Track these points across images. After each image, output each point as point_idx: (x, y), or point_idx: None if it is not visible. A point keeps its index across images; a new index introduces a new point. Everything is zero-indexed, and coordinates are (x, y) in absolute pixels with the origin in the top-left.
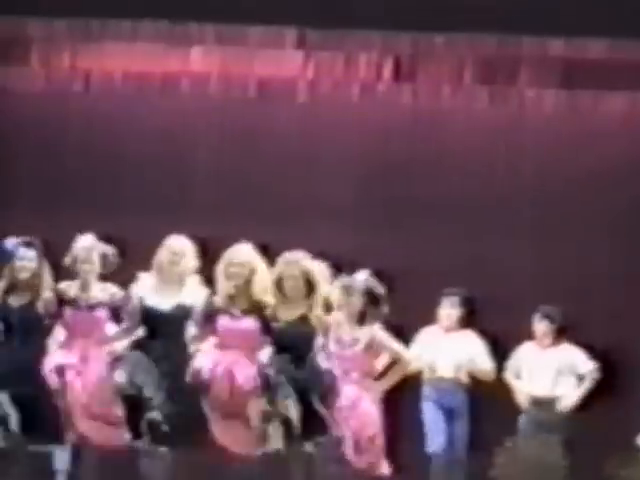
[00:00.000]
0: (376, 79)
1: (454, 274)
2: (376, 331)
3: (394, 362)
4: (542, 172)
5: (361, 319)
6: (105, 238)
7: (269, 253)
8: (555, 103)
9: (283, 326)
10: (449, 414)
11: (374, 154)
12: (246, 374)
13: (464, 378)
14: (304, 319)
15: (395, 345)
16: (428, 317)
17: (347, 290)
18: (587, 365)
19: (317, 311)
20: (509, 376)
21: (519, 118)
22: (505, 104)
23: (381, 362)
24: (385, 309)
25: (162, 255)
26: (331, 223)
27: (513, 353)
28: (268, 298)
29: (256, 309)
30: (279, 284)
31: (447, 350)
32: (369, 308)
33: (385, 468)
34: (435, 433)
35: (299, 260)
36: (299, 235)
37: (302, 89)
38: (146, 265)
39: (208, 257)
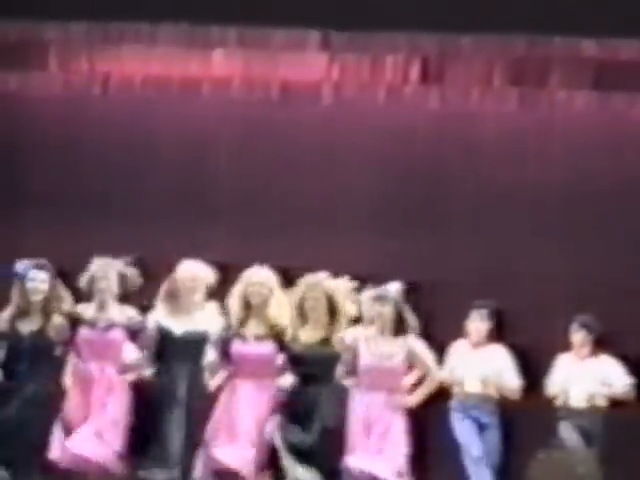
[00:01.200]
0: (403, 82)
1: (483, 284)
2: (413, 342)
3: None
4: (573, 176)
5: (394, 331)
6: (121, 251)
7: (293, 263)
8: (587, 105)
9: (304, 349)
10: (478, 428)
11: (401, 159)
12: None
13: (493, 393)
14: (326, 341)
15: (429, 359)
16: (455, 328)
17: (380, 301)
18: (623, 380)
19: (340, 332)
20: (554, 389)
21: (550, 121)
22: (535, 106)
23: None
24: (414, 319)
25: (178, 281)
26: (357, 229)
27: (552, 368)
28: (284, 321)
29: (272, 333)
30: (300, 306)
31: (475, 365)
32: (400, 319)
33: None
34: (471, 440)
35: (321, 282)
36: (323, 243)
37: (326, 92)
38: (159, 284)
39: (228, 278)
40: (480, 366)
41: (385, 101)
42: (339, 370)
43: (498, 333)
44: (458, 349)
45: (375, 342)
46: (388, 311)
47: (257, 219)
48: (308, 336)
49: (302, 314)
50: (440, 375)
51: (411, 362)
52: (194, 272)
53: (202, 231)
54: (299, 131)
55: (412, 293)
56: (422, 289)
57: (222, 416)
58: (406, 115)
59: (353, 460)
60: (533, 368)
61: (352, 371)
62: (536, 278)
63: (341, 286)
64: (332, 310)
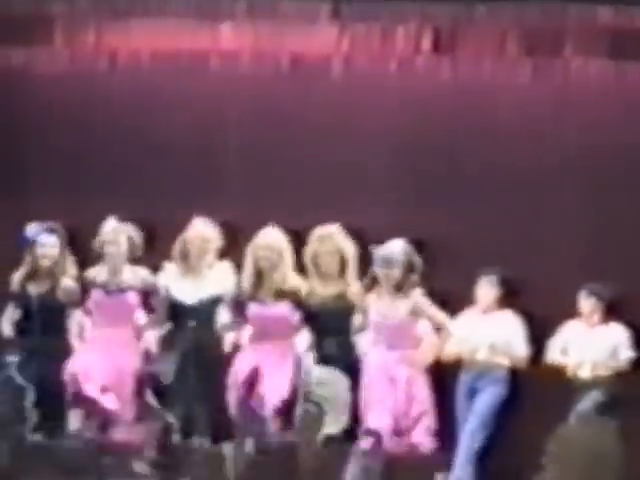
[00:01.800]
0: (414, 52)
1: (494, 252)
2: (418, 297)
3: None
4: (588, 146)
5: (399, 288)
6: (131, 222)
7: (304, 233)
8: (602, 75)
9: (320, 303)
10: (485, 397)
11: (413, 130)
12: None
13: (502, 361)
14: (341, 296)
15: (437, 312)
16: (466, 296)
17: (386, 261)
18: (626, 353)
19: (354, 287)
20: (554, 354)
21: (564, 91)
22: (550, 76)
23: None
24: (417, 276)
25: (188, 242)
26: (368, 202)
27: (558, 332)
28: (296, 282)
29: (285, 294)
30: (314, 261)
31: (484, 332)
32: (406, 277)
33: (429, 446)
34: (462, 422)
35: (332, 235)
36: (335, 214)
37: (337, 64)
38: (169, 255)
39: (239, 240)
40: (490, 333)
41: (396, 72)
42: (354, 324)
43: (508, 301)
44: (467, 317)
45: (382, 301)
46: (395, 273)
47: (267, 194)
48: (323, 291)
49: (316, 268)
50: (453, 328)
51: (419, 317)
52: (204, 232)
53: (210, 210)
54: (309, 104)
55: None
56: (433, 258)
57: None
58: (418, 86)
59: (373, 418)
60: (543, 336)
61: (365, 327)
62: (547, 246)
63: (350, 243)
64: (345, 265)
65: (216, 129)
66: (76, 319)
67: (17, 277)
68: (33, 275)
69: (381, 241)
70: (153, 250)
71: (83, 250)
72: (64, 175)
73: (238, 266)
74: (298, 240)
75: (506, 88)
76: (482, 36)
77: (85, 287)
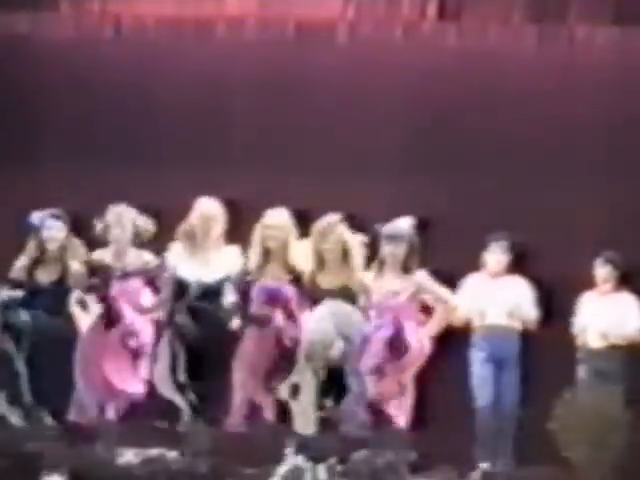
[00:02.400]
0: (420, 18)
1: (505, 221)
2: (422, 277)
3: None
4: (595, 113)
5: (404, 267)
6: (137, 194)
7: (309, 204)
8: (608, 41)
9: (324, 295)
10: (500, 364)
11: (418, 97)
12: None
13: (516, 324)
14: (345, 287)
15: (441, 290)
16: (476, 267)
17: (392, 239)
18: (633, 324)
19: (357, 277)
20: (578, 331)
21: (570, 57)
22: (555, 43)
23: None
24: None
25: (193, 221)
26: (373, 169)
27: (577, 307)
28: (304, 264)
29: (292, 276)
30: (318, 252)
31: (497, 296)
32: (411, 255)
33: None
34: (483, 386)
35: (333, 227)
36: (339, 183)
37: (342, 30)
38: (175, 234)
39: (243, 215)
40: (503, 297)
41: (402, 39)
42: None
43: (520, 268)
44: (476, 281)
45: (385, 280)
46: (401, 250)
47: (273, 160)
48: (327, 282)
49: (320, 260)
50: (457, 304)
51: (422, 296)
52: (210, 211)
53: (218, 174)
54: (314, 70)
55: (432, 229)
56: (442, 228)
57: (245, 358)
58: (423, 53)
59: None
60: (556, 303)
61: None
62: (559, 213)
63: (354, 237)
64: (347, 255)
65: (221, 96)
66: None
67: (21, 264)
68: (40, 262)
69: (383, 215)
70: (158, 228)
71: (88, 228)
72: (67, 144)
73: (242, 244)
74: (305, 217)
75: (511, 55)
76: (487, 3)
77: (91, 270)
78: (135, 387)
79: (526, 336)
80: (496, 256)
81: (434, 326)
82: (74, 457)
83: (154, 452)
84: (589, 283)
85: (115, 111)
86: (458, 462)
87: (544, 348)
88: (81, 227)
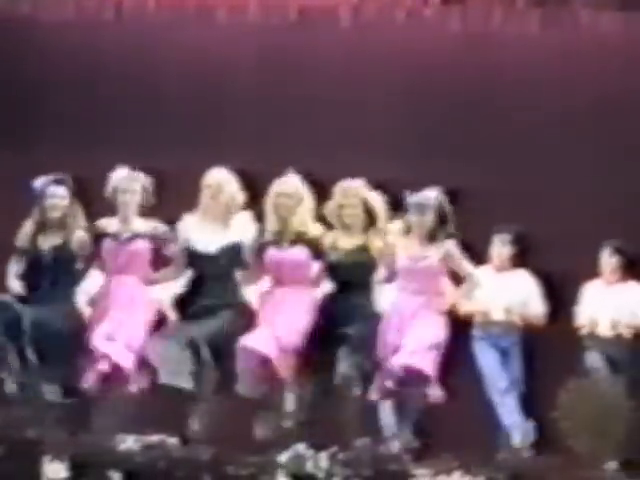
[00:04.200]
0: (423, 3)
1: (507, 210)
2: (450, 246)
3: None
4: (599, 100)
5: (431, 238)
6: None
7: (314, 183)
8: (611, 26)
9: (342, 255)
10: (502, 357)
11: (420, 82)
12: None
13: (517, 320)
14: (364, 248)
15: (466, 263)
16: (479, 255)
17: (419, 208)
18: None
19: (377, 241)
20: (582, 322)
21: (574, 43)
22: (559, 28)
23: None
24: (452, 226)
25: (203, 191)
26: (375, 154)
27: (581, 296)
28: (312, 229)
29: (305, 242)
30: (337, 213)
31: (498, 291)
32: (438, 226)
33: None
34: (495, 375)
35: (357, 188)
36: (343, 164)
37: (345, 14)
38: (186, 204)
39: (254, 191)
40: (504, 292)
41: (405, 23)
42: (377, 276)
43: (525, 258)
44: (480, 275)
45: (412, 247)
46: (428, 219)
47: (275, 146)
48: (345, 243)
49: (339, 221)
50: (477, 278)
51: (448, 265)
52: (218, 179)
53: (221, 157)
54: (317, 55)
55: None
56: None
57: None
58: (426, 37)
59: (396, 358)
60: (561, 294)
61: (390, 277)
62: (565, 202)
63: (377, 197)
64: (369, 217)
65: (222, 81)
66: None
67: (25, 231)
68: (43, 228)
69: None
70: (163, 202)
71: (91, 202)
72: (70, 125)
73: (256, 215)
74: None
75: (515, 40)
76: None
77: (96, 238)
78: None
79: (530, 328)
80: (498, 249)
81: (454, 296)
82: (75, 443)
83: (154, 438)
84: (593, 273)
85: (115, 95)
86: (462, 450)
87: (548, 339)
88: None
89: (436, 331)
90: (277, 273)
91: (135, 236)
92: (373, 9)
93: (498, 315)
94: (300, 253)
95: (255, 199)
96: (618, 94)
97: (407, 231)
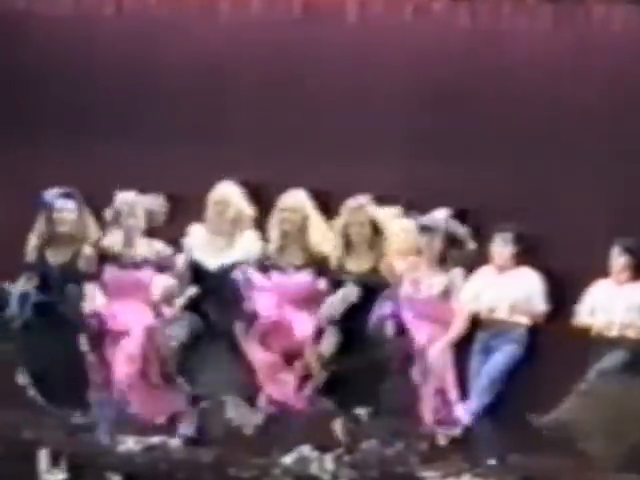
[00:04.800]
0: None
1: (514, 208)
2: (456, 276)
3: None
4: (611, 97)
5: (441, 262)
6: (138, 176)
7: (321, 189)
8: (625, 21)
9: (354, 280)
10: (500, 356)
11: (429, 79)
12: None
13: (521, 319)
14: (374, 271)
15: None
16: (484, 255)
17: (427, 230)
18: None
19: (387, 260)
20: (583, 317)
21: (586, 38)
22: (571, 23)
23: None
24: (468, 251)
25: (209, 207)
26: (382, 152)
27: (586, 294)
28: (326, 248)
29: (313, 260)
30: (345, 233)
31: (501, 290)
32: (449, 250)
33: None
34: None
35: (364, 206)
36: (350, 168)
37: (351, 9)
38: (189, 212)
39: (260, 201)
40: (507, 291)
41: (413, 18)
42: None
43: (530, 257)
44: (482, 275)
45: (418, 272)
46: (437, 242)
47: (280, 143)
48: (355, 266)
49: (347, 242)
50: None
51: (448, 296)
52: (226, 194)
53: (220, 155)
54: (323, 49)
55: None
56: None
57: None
58: (435, 33)
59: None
60: (568, 294)
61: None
62: (572, 201)
63: (386, 211)
64: (378, 237)
65: (225, 77)
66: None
67: (32, 245)
68: (51, 242)
69: (393, 201)
70: (174, 214)
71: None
72: (66, 123)
73: (259, 227)
74: (317, 198)
75: (525, 35)
76: None
77: (100, 257)
78: None
79: (536, 329)
80: (500, 248)
81: (456, 330)
82: (73, 444)
83: (155, 440)
84: (602, 272)
85: (116, 90)
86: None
87: (556, 341)
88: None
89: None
90: (281, 296)
91: (138, 264)
92: (380, 4)
93: (502, 314)
94: (305, 277)
95: (261, 210)
96: (632, 90)
97: (416, 253)
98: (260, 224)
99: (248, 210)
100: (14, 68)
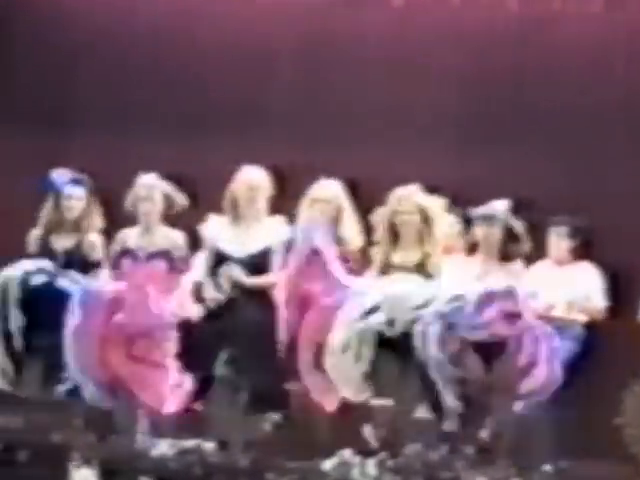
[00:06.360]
0: None
1: (569, 199)
2: (518, 271)
3: None
4: None
5: (501, 254)
6: (170, 162)
7: (361, 180)
8: None
9: (399, 274)
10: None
11: (476, 64)
12: None
13: (580, 316)
14: (421, 266)
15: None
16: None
17: (486, 220)
18: None
19: (435, 254)
20: None
21: (638, 21)
22: (622, 7)
23: None
24: (526, 245)
25: (235, 191)
26: (427, 141)
27: None
28: (356, 241)
29: (345, 253)
30: (391, 225)
31: (560, 286)
32: (507, 244)
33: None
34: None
35: (413, 195)
36: (390, 154)
37: None
38: (216, 202)
39: (288, 191)
40: (565, 287)
41: (460, 3)
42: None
43: (588, 252)
44: (540, 270)
45: (477, 266)
46: (496, 233)
47: (321, 130)
48: (401, 259)
49: (393, 234)
50: None
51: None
52: (255, 180)
53: (260, 142)
54: (366, 34)
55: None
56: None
57: None
58: (483, 18)
59: None
60: (629, 290)
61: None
62: (633, 193)
63: (435, 201)
64: (426, 228)
65: (266, 60)
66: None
67: (37, 231)
68: (56, 228)
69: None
70: (195, 200)
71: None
72: (95, 113)
73: (287, 213)
74: (353, 188)
75: (575, 20)
76: None
77: (115, 250)
78: None
79: (593, 326)
80: (556, 242)
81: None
82: (104, 448)
83: (190, 443)
84: None
85: (149, 75)
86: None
87: (612, 339)
88: (110, 197)
89: None
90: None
91: (153, 255)
92: None
93: (558, 311)
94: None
95: (286, 199)
96: None
97: (471, 249)
98: (280, 210)
99: (271, 195)
100: (48, 50)
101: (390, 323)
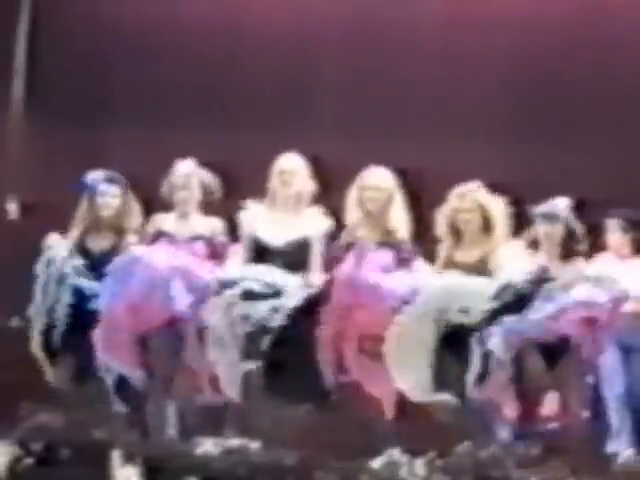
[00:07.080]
0: None
1: (626, 195)
2: (582, 270)
3: None
4: None
5: (563, 253)
6: (206, 161)
7: (408, 174)
8: None
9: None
10: (627, 353)
11: (529, 50)
12: None
13: None
14: (482, 262)
15: None
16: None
17: (548, 218)
18: None
19: (496, 252)
20: None
21: None
22: None
23: None
24: (584, 244)
25: (272, 178)
26: (474, 134)
27: None
28: (403, 231)
29: (390, 242)
30: (452, 222)
31: (623, 279)
32: (568, 242)
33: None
34: (614, 375)
35: (473, 192)
36: (435, 147)
37: None
38: (255, 193)
39: (332, 183)
40: (630, 280)
41: None
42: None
43: None
44: (603, 262)
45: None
46: (558, 231)
47: (366, 122)
48: (463, 256)
49: (455, 231)
50: None
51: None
52: (292, 166)
53: (300, 143)
54: (412, 26)
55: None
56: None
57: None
58: (529, 5)
59: None
60: None
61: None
62: None
63: (495, 199)
64: (487, 226)
65: (310, 53)
66: None
67: (74, 232)
68: (93, 228)
69: (490, 175)
70: (235, 189)
71: (152, 190)
72: (138, 108)
73: (327, 204)
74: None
75: (625, 5)
76: None
77: (149, 232)
78: None
79: None
80: (613, 235)
81: None
82: (147, 446)
83: (235, 442)
84: None
85: (191, 72)
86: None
87: None
88: (144, 189)
89: None
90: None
91: (192, 239)
92: None
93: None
94: (385, 255)
95: (328, 190)
96: None
97: (532, 247)
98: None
99: (311, 185)
100: (85, 46)
101: (464, 311)
